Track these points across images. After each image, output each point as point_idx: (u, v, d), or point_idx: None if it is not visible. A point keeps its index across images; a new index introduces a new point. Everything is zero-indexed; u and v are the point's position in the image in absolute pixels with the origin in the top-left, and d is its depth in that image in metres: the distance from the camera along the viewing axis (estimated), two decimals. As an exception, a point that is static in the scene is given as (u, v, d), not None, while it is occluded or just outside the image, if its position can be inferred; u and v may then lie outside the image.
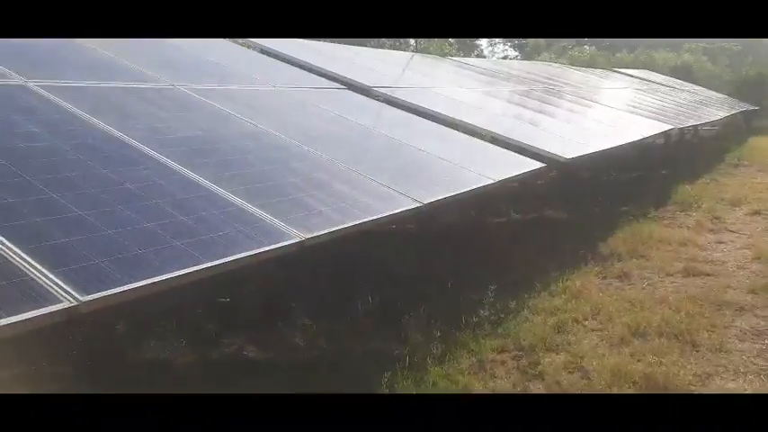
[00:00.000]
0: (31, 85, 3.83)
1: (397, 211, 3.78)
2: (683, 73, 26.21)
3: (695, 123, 12.87)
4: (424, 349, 3.78)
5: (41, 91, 3.78)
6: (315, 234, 3.10)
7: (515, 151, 5.95)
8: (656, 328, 4.28)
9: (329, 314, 4.16)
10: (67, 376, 3.32)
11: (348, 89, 6.71)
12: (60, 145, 3.17)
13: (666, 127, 10.34)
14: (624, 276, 5.45)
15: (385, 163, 4.66)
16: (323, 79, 6.83)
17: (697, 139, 15.30)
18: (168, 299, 3.10)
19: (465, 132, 6.29)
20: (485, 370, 3.70)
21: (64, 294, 2.09)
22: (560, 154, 6.04)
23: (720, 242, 6.68)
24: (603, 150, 7.11)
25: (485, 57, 32.73)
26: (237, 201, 3.18)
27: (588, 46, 32.28)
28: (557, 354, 3.95)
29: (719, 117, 15.38)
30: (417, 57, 12.46)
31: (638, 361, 3.82)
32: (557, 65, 19.53)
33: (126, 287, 2.24)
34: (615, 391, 3.46)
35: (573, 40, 33.38)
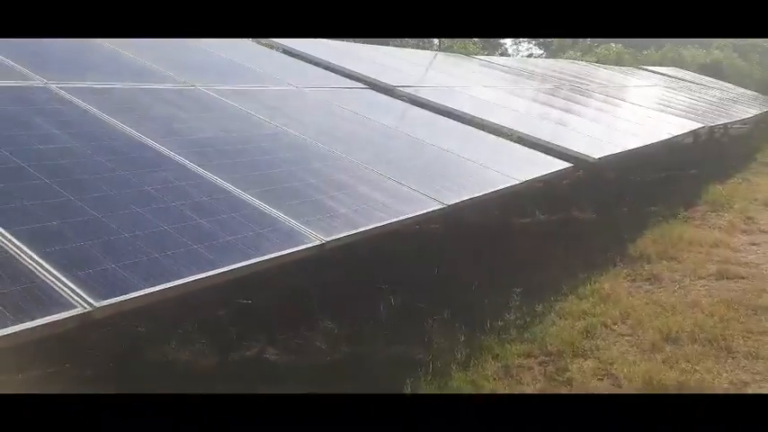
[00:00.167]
0: (52, 86, 3.82)
1: (419, 213, 3.70)
2: (713, 70, 25.65)
3: (726, 121, 12.56)
4: (447, 354, 3.70)
5: (62, 92, 3.77)
6: (335, 237, 3.04)
7: (542, 151, 5.83)
8: (689, 333, 4.14)
9: (351, 316, 4.10)
10: (85, 379, 3.30)
11: (371, 89, 6.63)
12: (79, 147, 3.14)
13: (696, 125, 10.08)
14: (654, 279, 5.29)
15: (408, 163, 4.58)
16: (345, 79, 6.77)
17: (727, 138, 14.95)
18: (188, 301, 3.05)
19: (490, 132, 6.19)
20: (511, 376, 3.61)
21: (77, 299, 2.04)
22: (588, 154, 5.91)
23: (754, 244, 6.47)
24: (632, 150, 6.95)
25: (509, 55, 32.43)
26: (257, 203, 3.12)
27: (615, 43, 31.79)
28: (585, 360, 3.83)
29: (751, 115, 15.00)
30: (441, 56, 12.35)
31: (671, 368, 3.69)
32: (583, 63, 19.23)
33: (141, 292, 2.19)
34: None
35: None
